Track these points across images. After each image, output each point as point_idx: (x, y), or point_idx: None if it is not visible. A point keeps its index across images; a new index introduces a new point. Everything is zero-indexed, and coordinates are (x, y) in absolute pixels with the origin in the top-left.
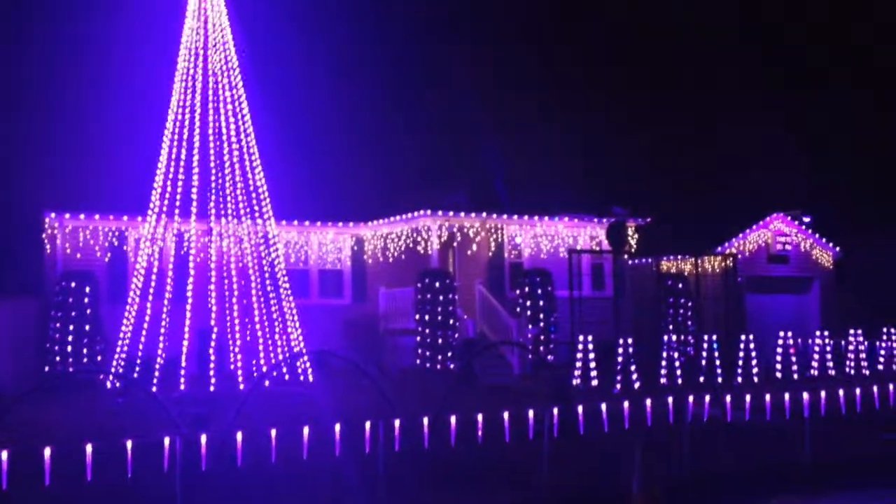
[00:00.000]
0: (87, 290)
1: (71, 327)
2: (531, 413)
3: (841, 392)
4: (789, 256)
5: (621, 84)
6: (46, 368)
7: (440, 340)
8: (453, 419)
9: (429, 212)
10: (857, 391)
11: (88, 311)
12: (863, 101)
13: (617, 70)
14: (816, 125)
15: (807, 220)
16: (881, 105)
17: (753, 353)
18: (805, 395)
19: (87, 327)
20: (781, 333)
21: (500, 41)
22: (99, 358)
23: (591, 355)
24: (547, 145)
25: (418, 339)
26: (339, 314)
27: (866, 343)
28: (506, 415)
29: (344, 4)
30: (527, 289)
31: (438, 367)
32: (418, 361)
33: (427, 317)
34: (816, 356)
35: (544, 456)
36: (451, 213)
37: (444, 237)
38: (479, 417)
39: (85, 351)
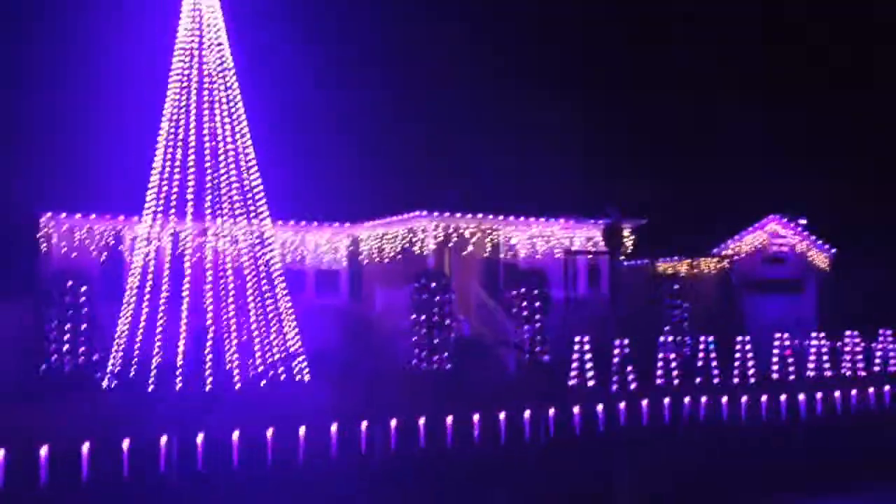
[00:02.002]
0: (83, 289)
1: (67, 326)
2: (526, 413)
3: (837, 393)
4: (785, 258)
5: (618, 84)
6: (42, 367)
7: (436, 340)
8: (449, 419)
9: (425, 212)
10: (853, 392)
11: (84, 311)
12: (858, 103)
13: (614, 70)
14: (813, 128)
15: (803, 222)
16: (876, 107)
17: (749, 355)
18: (801, 397)
19: (83, 326)
20: (777, 335)
21: (496, 39)
22: (95, 357)
23: (587, 356)
24: (544, 146)
25: (414, 338)
26: (335, 314)
27: (862, 344)
28: (501, 415)
29: (338, 4)
30: (522, 289)
31: (434, 366)
32: (414, 361)
33: (423, 316)
34: (812, 357)
35: (538, 455)
36: (446, 214)
37: (440, 237)
38: (475, 418)
39: (81, 350)
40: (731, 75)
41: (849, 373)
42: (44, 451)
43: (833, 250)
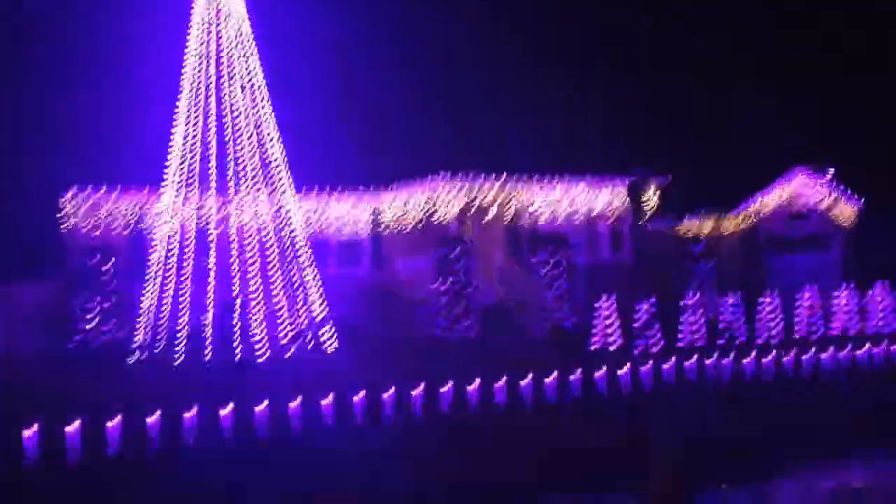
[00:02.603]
0: (109, 264)
1: (94, 302)
2: (549, 376)
3: (861, 350)
4: (811, 214)
5: (643, 45)
6: (72, 343)
7: (459, 307)
8: (475, 383)
9: (447, 178)
10: (879, 349)
11: (110, 286)
12: (886, 55)
13: (636, 40)
14: (838, 79)
15: (831, 171)
16: None
17: (774, 315)
18: (824, 355)
19: (110, 303)
20: (802, 294)
21: (520, 14)
22: (120, 334)
23: (610, 318)
24: (568, 107)
25: (437, 306)
26: (358, 283)
27: (890, 297)
28: (524, 380)
29: None
30: (545, 254)
31: (458, 333)
32: (438, 328)
33: (446, 284)
34: (837, 314)
35: (564, 417)
36: (468, 180)
37: (462, 203)
38: (501, 382)
39: (109, 325)
40: (755, 26)
41: (874, 331)
42: (74, 426)
43: (862, 200)
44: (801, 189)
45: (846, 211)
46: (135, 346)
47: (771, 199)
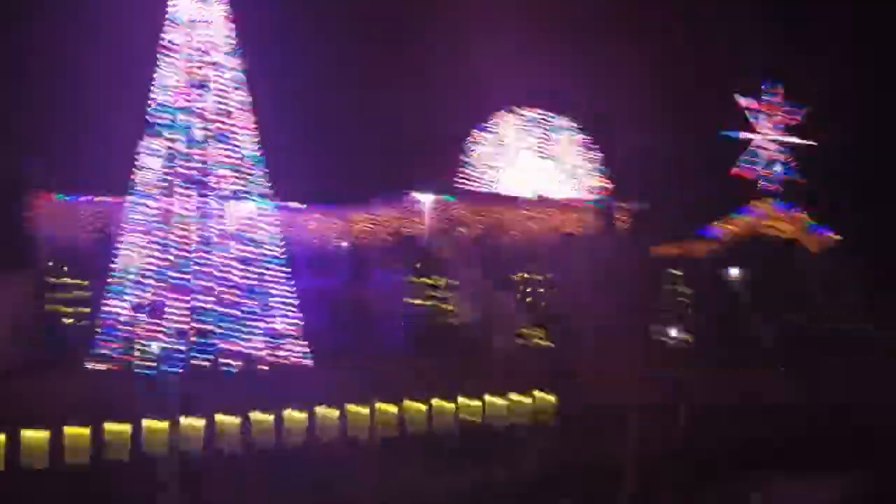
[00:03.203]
0: (78, 266)
1: (61, 305)
2: (528, 391)
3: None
4: (779, 237)
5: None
6: (39, 343)
7: (436, 321)
8: (452, 401)
9: (424, 193)
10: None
11: (79, 287)
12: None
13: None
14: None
15: (795, 207)
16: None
17: (745, 333)
18: (792, 375)
19: (77, 306)
20: (770, 315)
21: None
22: (89, 335)
23: (588, 335)
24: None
25: (414, 319)
26: (331, 295)
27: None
28: (502, 397)
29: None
30: (522, 271)
31: (434, 347)
32: (414, 341)
33: (422, 298)
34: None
35: (542, 432)
36: (445, 195)
37: (439, 218)
38: (479, 397)
39: (75, 327)
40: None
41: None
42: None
43: (828, 230)
44: (767, 215)
45: (813, 237)
46: (96, 350)
47: (738, 224)
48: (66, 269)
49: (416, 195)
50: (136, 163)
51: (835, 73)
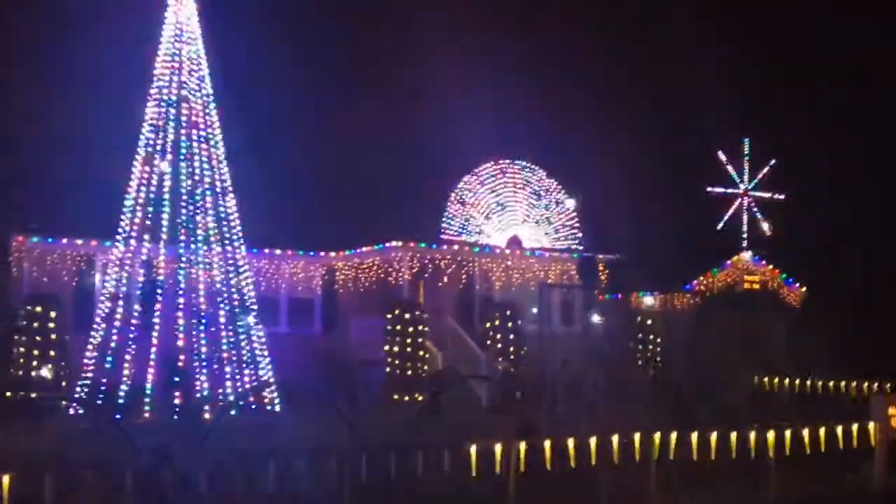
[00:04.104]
0: (53, 314)
1: (35, 352)
2: (497, 447)
3: (805, 431)
4: (756, 294)
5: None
6: (9, 394)
7: (409, 372)
8: (420, 454)
9: (400, 243)
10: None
11: (53, 336)
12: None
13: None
14: (789, 161)
15: (771, 264)
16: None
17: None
18: (770, 434)
19: (52, 352)
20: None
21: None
22: (64, 384)
23: (560, 389)
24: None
25: (388, 369)
26: (308, 343)
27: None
28: (472, 449)
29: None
30: (496, 322)
31: (407, 398)
32: (387, 392)
33: (397, 348)
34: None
35: (509, 490)
36: (422, 245)
37: (415, 268)
38: (446, 452)
39: (49, 376)
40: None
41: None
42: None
43: (804, 289)
44: (746, 271)
45: (790, 294)
46: (74, 397)
47: (717, 280)
48: (47, 315)
49: (396, 243)
50: (122, 209)
51: (810, 129)
